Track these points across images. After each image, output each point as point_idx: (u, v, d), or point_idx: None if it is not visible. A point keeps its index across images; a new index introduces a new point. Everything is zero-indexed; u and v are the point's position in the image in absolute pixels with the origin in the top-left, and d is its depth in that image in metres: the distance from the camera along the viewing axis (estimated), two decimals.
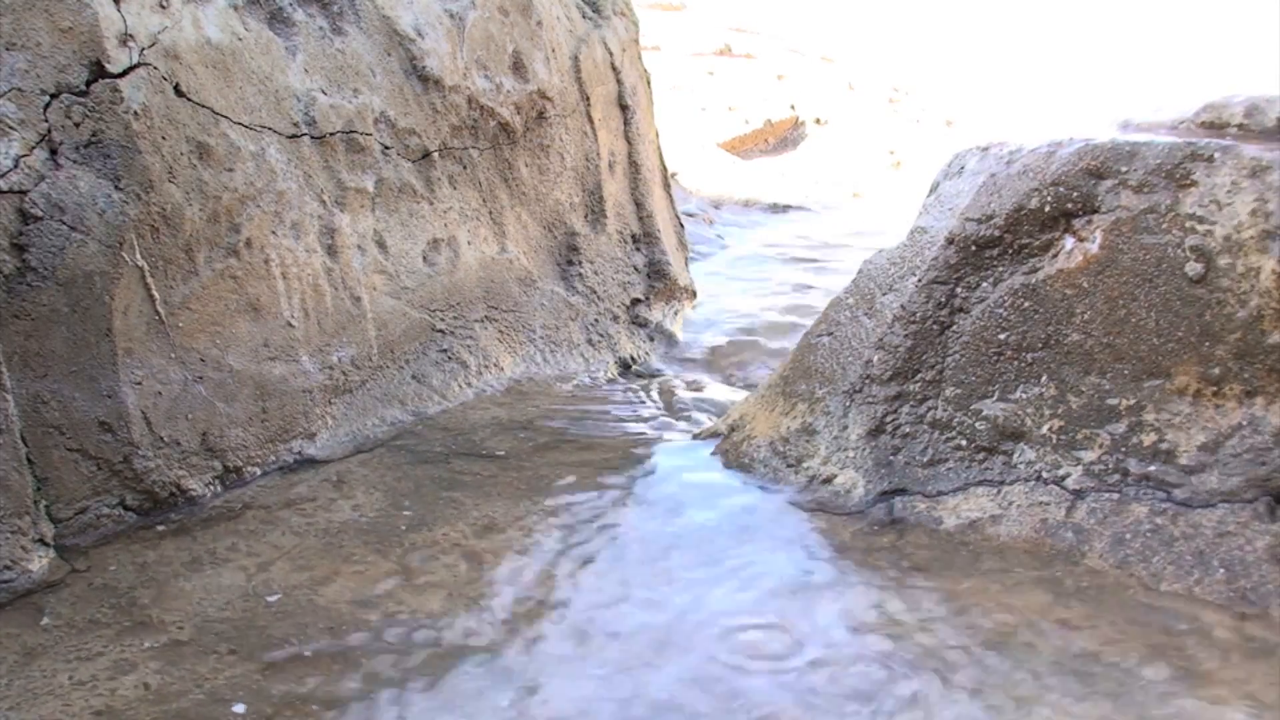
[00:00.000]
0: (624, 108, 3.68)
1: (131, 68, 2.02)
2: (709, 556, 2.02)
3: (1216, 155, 1.88)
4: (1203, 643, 1.67)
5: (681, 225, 4.33)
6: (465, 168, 2.95)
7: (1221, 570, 1.79)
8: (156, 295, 2.10)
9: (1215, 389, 1.87)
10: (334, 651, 1.70)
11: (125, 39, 2.01)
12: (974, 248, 2.11)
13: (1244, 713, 1.50)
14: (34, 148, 1.93)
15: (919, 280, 2.18)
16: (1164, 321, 1.91)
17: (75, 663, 1.67)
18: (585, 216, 3.44)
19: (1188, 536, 1.84)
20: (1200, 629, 1.70)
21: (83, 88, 1.96)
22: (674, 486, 2.36)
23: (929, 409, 2.17)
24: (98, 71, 1.97)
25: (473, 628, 1.78)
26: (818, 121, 8.25)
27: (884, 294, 2.28)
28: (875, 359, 2.23)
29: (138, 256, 2.05)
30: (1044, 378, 2.04)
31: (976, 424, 2.11)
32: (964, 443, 2.12)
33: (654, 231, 3.75)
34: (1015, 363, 2.07)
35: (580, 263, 3.37)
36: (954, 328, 2.15)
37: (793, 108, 8.31)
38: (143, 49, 2.04)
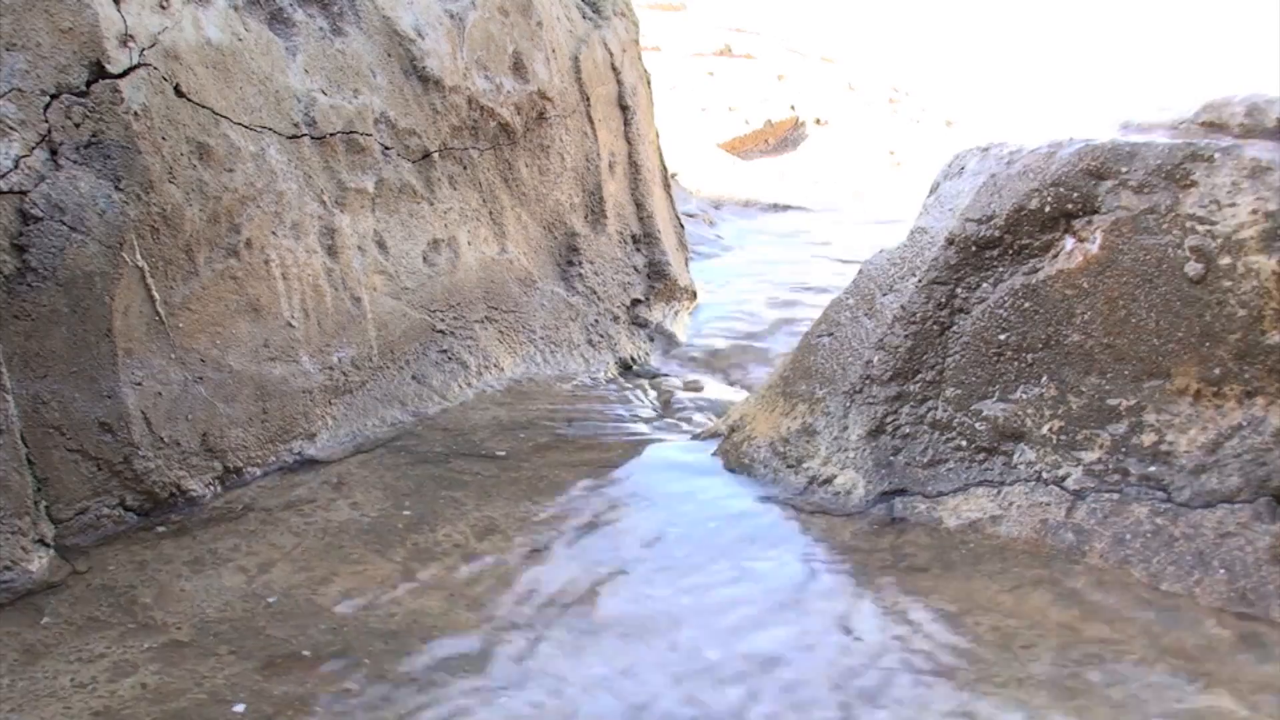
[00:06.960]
0: (624, 108, 3.68)
1: (132, 68, 2.02)
2: (709, 557, 2.02)
3: (1217, 155, 1.88)
4: (1203, 644, 1.66)
5: (681, 226, 4.33)
6: (465, 168, 2.95)
7: (1222, 571, 1.79)
8: (157, 295, 2.10)
9: (1215, 389, 1.87)
10: (334, 652, 1.70)
11: (125, 39, 2.01)
12: (974, 248, 2.11)
13: (1244, 714, 1.50)
14: (34, 148, 1.93)
15: (919, 281, 2.18)
16: (1164, 322, 1.91)
17: (76, 664, 1.67)
18: (585, 217, 3.44)
19: (1188, 537, 1.84)
20: (1200, 630, 1.70)
21: (83, 88, 1.97)
22: (674, 487, 2.36)
23: (929, 409, 2.17)
24: (98, 72, 1.97)
25: (472, 628, 1.78)
26: (818, 122, 8.25)
27: (884, 294, 2.28)
28: (875, 359, 2.23)
29: (138, 257, 2.05)
30: (1044, 378, 2.04)
31: (977, 424, 2.11)
32: (964, 443, 2.12)
33: (654, 232, 3.75)
34: (1015, 363, 2.07)
35: (580, 263, 3.37)
36: (954, 328, 2.15)
37: (793, 108, 8.31)
38: (143, 49, 2.04)
